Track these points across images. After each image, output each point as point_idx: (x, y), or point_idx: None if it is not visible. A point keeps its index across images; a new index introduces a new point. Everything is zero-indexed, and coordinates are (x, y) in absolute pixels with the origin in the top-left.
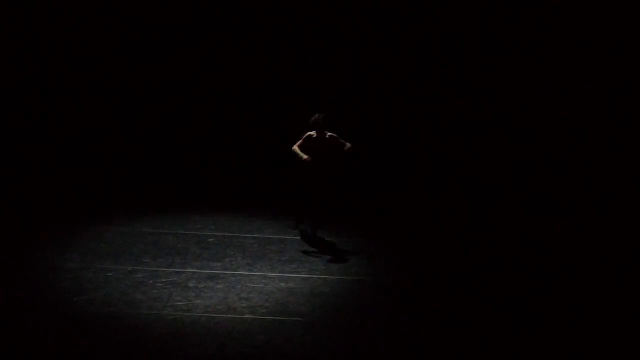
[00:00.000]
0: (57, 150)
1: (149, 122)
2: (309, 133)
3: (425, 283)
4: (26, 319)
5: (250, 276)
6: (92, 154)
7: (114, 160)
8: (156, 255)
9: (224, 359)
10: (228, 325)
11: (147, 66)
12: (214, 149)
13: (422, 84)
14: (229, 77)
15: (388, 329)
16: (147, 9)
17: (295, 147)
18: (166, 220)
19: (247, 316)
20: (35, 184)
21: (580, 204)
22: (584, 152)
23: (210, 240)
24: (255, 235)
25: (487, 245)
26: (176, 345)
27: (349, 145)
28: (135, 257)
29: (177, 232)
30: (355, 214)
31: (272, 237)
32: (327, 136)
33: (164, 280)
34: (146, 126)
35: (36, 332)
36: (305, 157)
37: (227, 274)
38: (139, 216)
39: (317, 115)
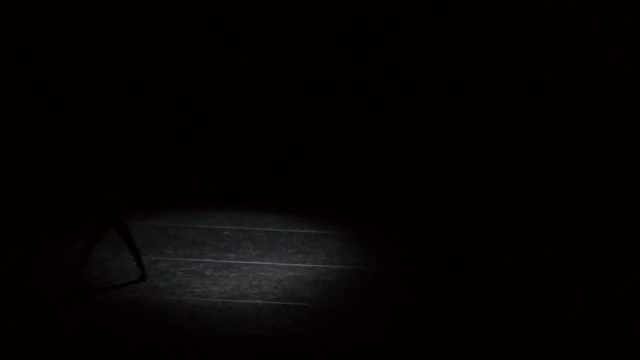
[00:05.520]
0: (82, 149)
1: (164, 122)
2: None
3: (423, 270)
4: (60, 303)
5: (261, 265)
6: (113, 153)
7: (134, 159)
8: (176, 247)
9: (238, 341)
10: (241, 310)
11: (161, 67)
12: (225, 149)
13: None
14: (238, 78)
15: (387, 312)
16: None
17: None
18: (185, 215)
19: (258, 301)
20: (63, 181)
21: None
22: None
23: (224, 233)
24: (265, 229)
25: (482, 231)
26: (195, 327)
27: None
28: (157, 248)
29: (195, 225)
30: (355, 206)
31: (280, 230)
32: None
33: (183, 269)
34: (162, 126)
35: (69, 315)
36: None
37: (240, 263)
38: (161, 211)
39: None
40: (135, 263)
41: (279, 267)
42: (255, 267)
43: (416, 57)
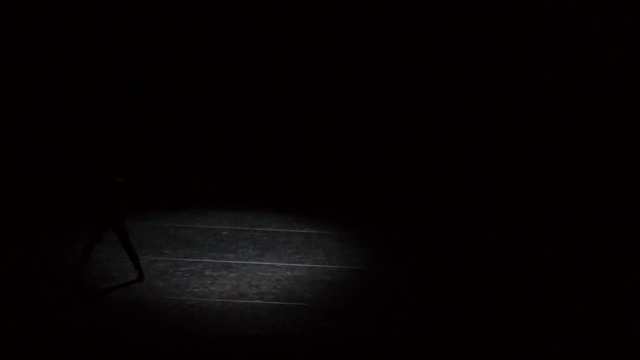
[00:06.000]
0: (81, 148)
1: (164, 122)
2: None
3: (423, 270)
4: (60, 303)
5: (259, 265)
6: (113, 153)
7: (134, 159)
8: (176, 247)
9: (237, 341)
10: (240, 310)
11: (161, 67)
12: (227, 149)
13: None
14: (238, 78)
15: (387, 312)
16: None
17: None
18: (185, 215)
19: (256, 301)
20: (61, 182)
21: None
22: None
23: (224, 233)
24: (264, 229)
25: (482, 231)
26: (194, 327)
27: None
28: (156, 248)
29: (194, 225)
30: (355, 206)
31: (279, 230)
32: None
33: (182, 269)
34: (162, 126)
35: (69, 315)
36: None
37: (239, 263)
38: (161, 211)
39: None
40: (132, 264)
41: (278, 267)
42: (254, 267)
43: (416, 57)
